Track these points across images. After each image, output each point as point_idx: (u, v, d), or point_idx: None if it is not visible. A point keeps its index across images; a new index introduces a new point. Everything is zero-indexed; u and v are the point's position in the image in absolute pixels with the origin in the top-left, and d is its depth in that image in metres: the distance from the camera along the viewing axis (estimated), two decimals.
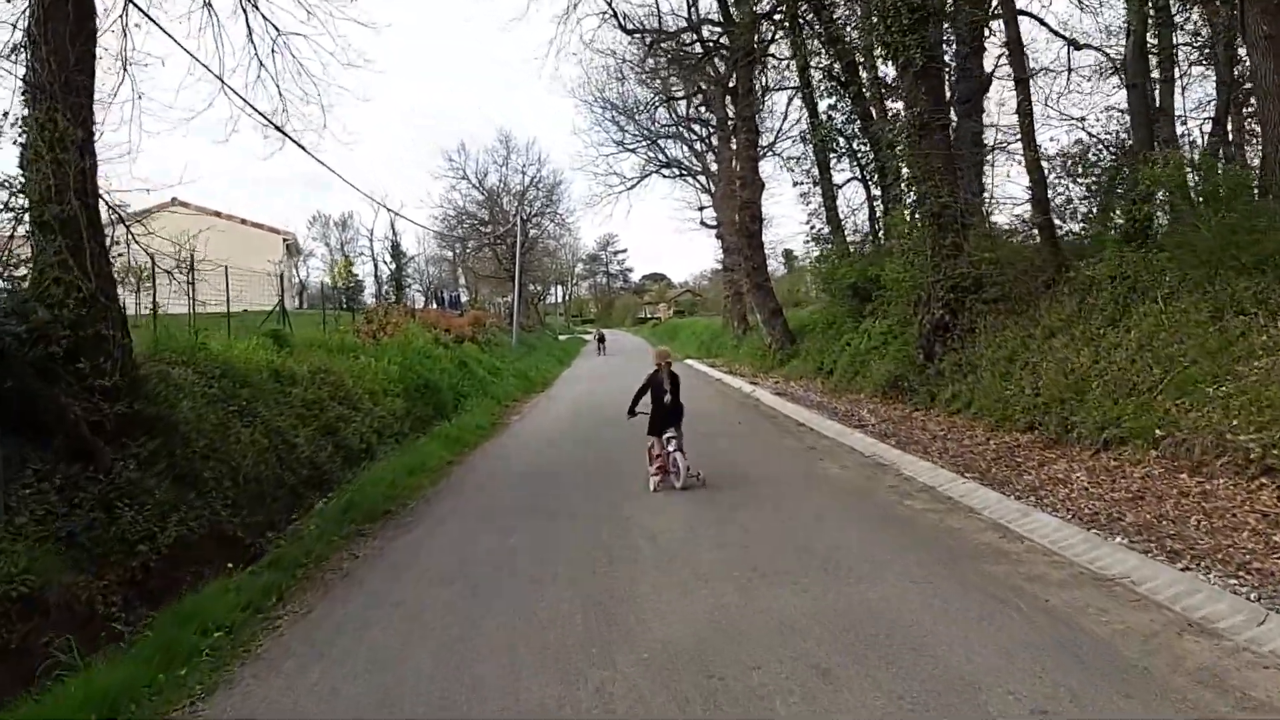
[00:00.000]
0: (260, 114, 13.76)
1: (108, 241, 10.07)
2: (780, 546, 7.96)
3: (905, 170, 16.80)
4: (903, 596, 6.41)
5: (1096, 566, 6.82)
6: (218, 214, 47.77)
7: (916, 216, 16.51)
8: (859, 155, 23.79)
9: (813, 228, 24.47)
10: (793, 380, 24.02)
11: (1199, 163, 13.85)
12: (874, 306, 21.18)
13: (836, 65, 22.79)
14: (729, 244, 38.76)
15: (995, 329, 14.31)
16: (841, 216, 24.23)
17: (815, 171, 24.53)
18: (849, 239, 24.12)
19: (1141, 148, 15.22)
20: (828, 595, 6.54)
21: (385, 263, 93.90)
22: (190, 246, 19.04)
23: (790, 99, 41.60)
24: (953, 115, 16.26)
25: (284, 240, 48.42)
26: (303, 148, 14.95)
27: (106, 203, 10.00)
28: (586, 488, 11.75)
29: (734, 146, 35.10)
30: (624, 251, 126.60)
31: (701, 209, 48.47)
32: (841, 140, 23.95)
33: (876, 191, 23.47)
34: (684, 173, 47.60)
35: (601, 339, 58.51)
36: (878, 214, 23.76)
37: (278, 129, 14.07)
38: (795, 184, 23.96)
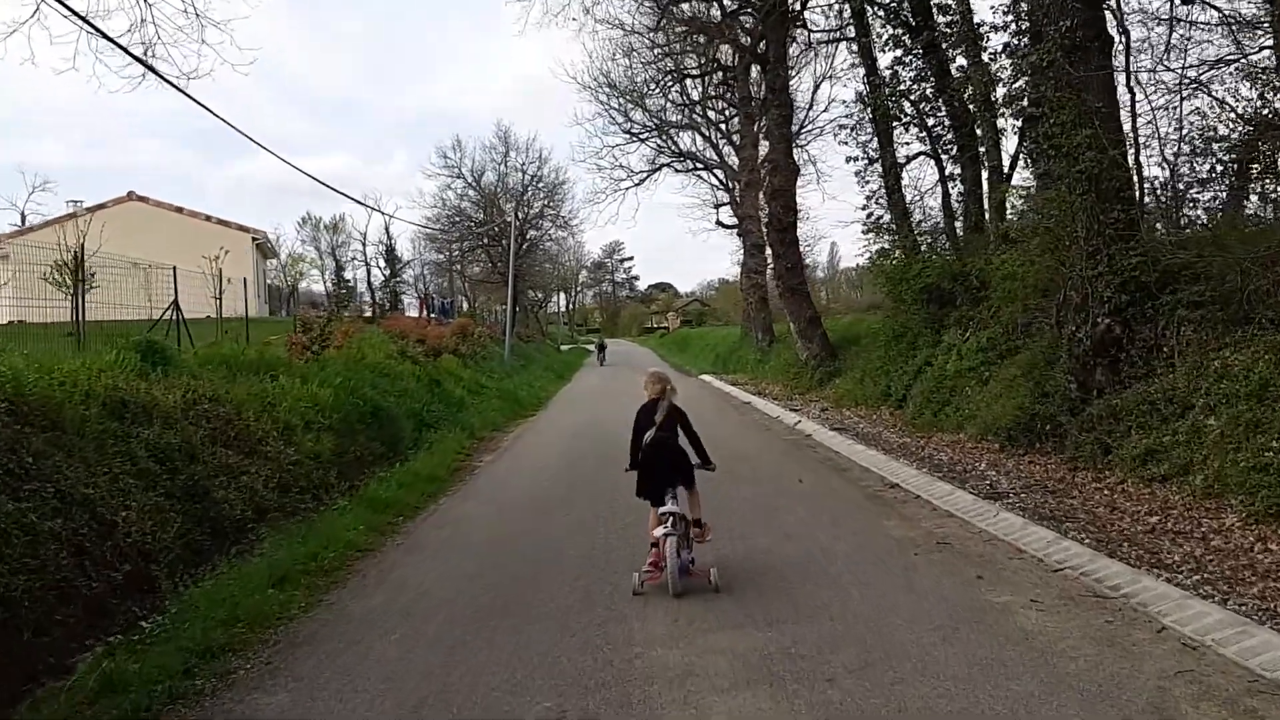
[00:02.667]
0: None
1: None
2: None
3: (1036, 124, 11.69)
4: None
5: None
6: (179, 209, 43.21)
7: (1058, 186, 11.40)
8: (931, 124, 18.71)
9: (870, 215, 19.40)
10: (844, 407, 18.93)
11: None
12: (961, 314, 16.09)
13: (905, 2, 17.73)
14: (753, 242, 33.72)
15: (1206, 346, 9.22)
16: (908, 201, 19.18)
17: (874, 145, 19.41)
18: (917, 231, 19.02)
19: None
20: None
21: (380, 268, 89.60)
22: (80, 240, 14.27)
23: (817, 85, 36.79)
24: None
25: (253, 239, 43.63)
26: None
27: None
28: (573, 600, 6.73)
29: (760, 126, 30.10)
30: (630, 259, 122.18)
31: (718, 206, 43.51)
32: (908, 106, 18.87)
33: (954, 169, 18.38)
34: (699, 166, 42.60)
35: (602, 347, 55.18)
36: (954, 196, 18.66)
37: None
38: (848, 160, 17.57)
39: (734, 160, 38.97)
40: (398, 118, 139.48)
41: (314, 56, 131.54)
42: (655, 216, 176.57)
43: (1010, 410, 11.63)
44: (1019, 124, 14.71)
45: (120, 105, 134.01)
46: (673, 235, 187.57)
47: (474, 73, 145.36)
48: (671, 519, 6.75)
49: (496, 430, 19.74)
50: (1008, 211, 15.31)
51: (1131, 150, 10.93)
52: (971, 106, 16.24)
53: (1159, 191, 11.39)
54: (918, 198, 19.46)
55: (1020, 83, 12.47)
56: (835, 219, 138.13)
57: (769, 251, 29.82)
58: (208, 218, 43.13)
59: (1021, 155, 14.20)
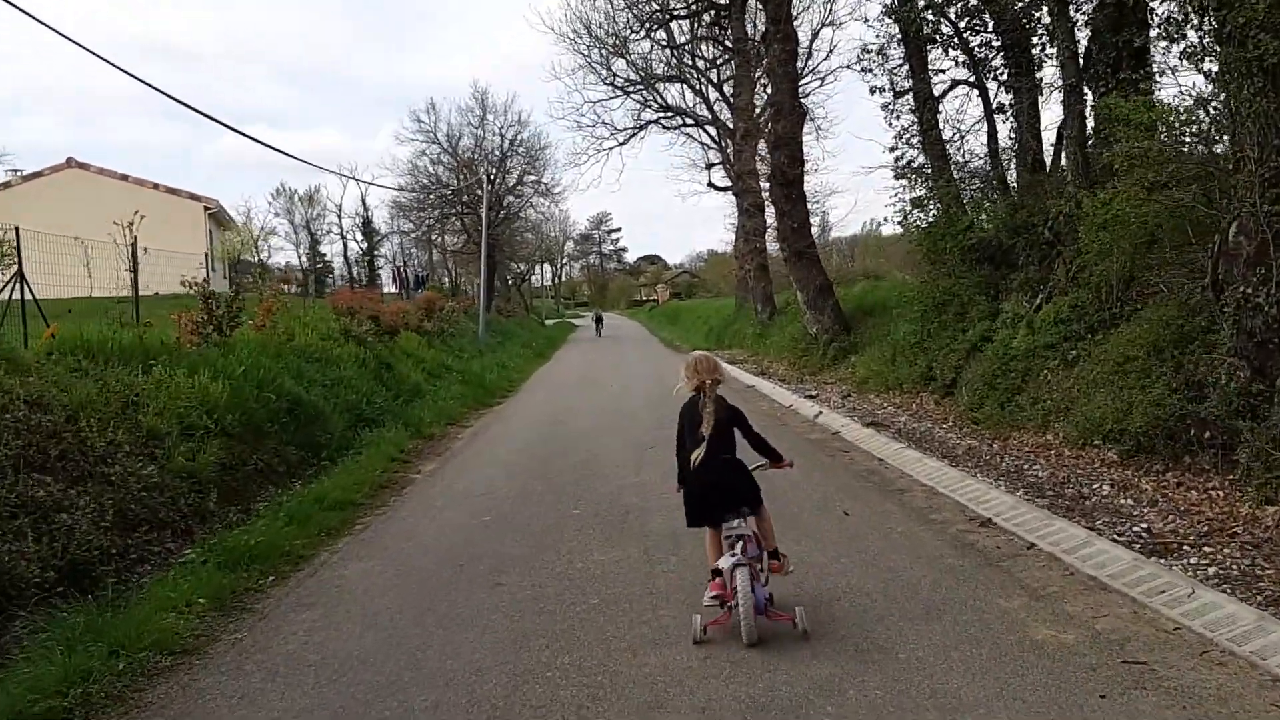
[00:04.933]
0: None
1: None
2: None
3: None
4: None
5: None
6: (124, 177, 39.50)
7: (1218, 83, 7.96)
8: (974, 44, 15.18)
9: (899, 157, 15.90)
10: (871, 393, 15.54)
11: None
12: (1027, 276, 12.67)
13: None
14: (750, 202, 30.16)
15: None
16: (945, 140, 15.67)
17: (905, 71, 15.83)
18: (960, 175, 15.52)
19: None
20: None
21: (357, 241, 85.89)
22: None
23: (816, 32, 32.94)
24: None
25: (205, 209, 39.91)
26: None
27: None
28: None
29: (759, 69, 26.50)
30: (618, 231, 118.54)
31: (709, 167, 39.77)
32: (946, 25, 15.35)
33: (1005, 98, 14.86)
34: (688, 122, 38.82)
35: (599, 319, 55.29)
36: (1003, 134, 15.16)
37: None
38: (873, 90, 13.98)
39: (727, 116, 35.31)
40: (388, 93, 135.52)
41: (303, 29, 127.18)
42: (642, 187, 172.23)
43: (1140, 406, 8.20)
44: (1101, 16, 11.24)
45: (105, 79, 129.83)
46: (661, 206, 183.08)
47: (467, 46, 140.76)
48: (742, 542, 5.19)
49: (453, 424, 16.29)
50: (1082, 149, 11.78)
51: None
52: None
53: None
54: (957, 137, 15.98)
55: None
56: (841, 177, 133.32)
57: (770, 212, 26.35)
58: (155, 186, 39.42)
59: (1121, 58, 10.72)
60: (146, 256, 16.80)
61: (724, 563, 5.19)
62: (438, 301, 31.95)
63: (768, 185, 24.22)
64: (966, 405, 12.18)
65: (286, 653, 5.47)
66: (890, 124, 16.10)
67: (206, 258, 34.45)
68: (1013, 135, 14.82)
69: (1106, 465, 8.42)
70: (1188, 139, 8.78)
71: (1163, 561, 5.94)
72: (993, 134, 15.39)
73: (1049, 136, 14.63)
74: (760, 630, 5.05)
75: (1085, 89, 11.78)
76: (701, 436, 5.29)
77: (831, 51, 53.97)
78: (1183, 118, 8.87)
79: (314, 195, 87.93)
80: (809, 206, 23.13)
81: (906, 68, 15.79)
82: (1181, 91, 9.60)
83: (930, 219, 14.98)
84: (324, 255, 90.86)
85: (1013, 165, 14.90)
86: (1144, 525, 6.71)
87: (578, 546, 7.29)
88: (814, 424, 13.51)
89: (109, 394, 9.62)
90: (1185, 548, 6.15)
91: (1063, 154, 13.73)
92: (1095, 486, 7.90)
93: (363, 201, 62.93)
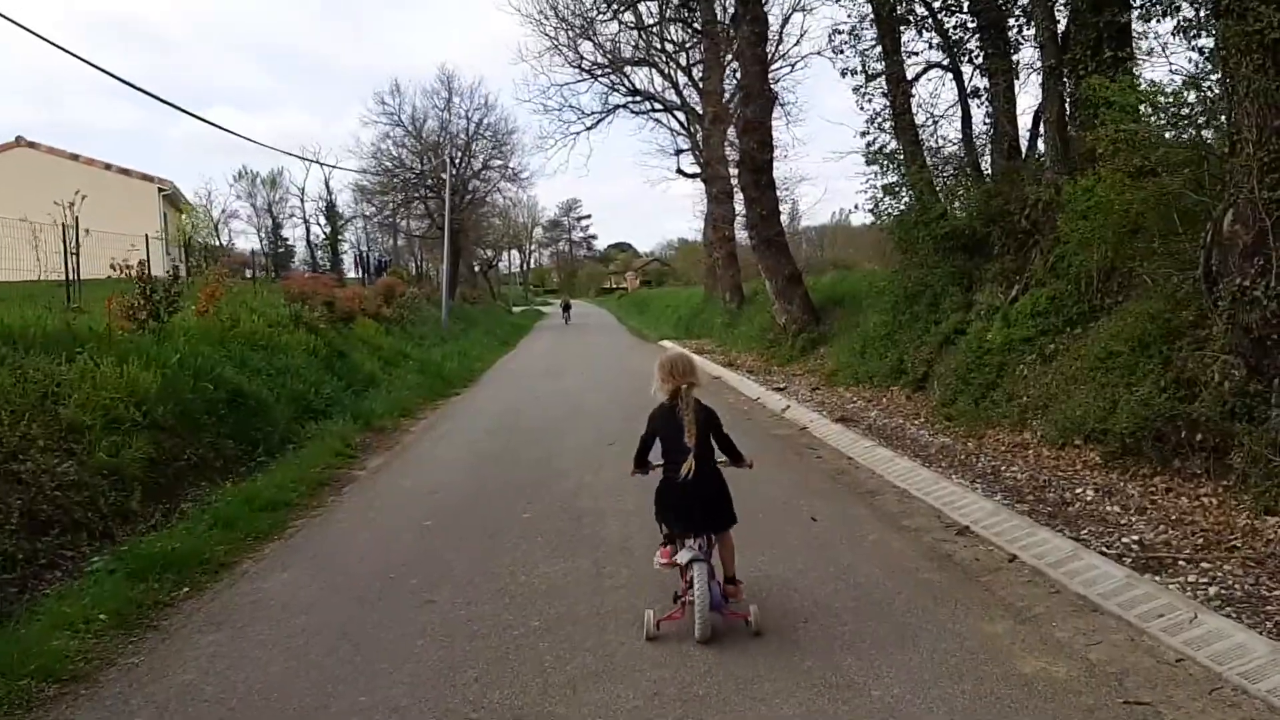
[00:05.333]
0: None
1: None
2: None
3: None
4: None
5: None
6: (74, 157, 38.22)
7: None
8: (949, 26, 14.67)
9: (871, 143, 15.37)
10: (840, 386, 15.03)
11: None
12: (1003, 266, 12.19)
13: None
14: (719, 189, 29.56)
15: None
16: (918, 125, 15.14)
17: (878, 52, 15.27)
18: (933, 162, 15.00)
19: None
20: None
21: (320, 226, 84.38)
22: None
23: (787, 18, 32.33)
24: None
25: (160, 190, 38.70)
26: None
27: None
28: None
29: (728, 53, 25.90)
30: (588, 218, 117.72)
31: (678, 153, 39.15)
32: (920, 5, 14.81)
33: (981, 82, 14.35)
34: (657, 107, 38.15)
35: (567, 307, 55.62)
36: (977, 119, 14.69)
37: None
38: (844, 73, 13.37)
39: (696, 101, 34.67)
40: (357, 76, 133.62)
41: (271, 6, 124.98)
42: (614, 176, 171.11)
43: (1126, 405, 7.70)
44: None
45: (65, 59, 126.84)
46: (632, 195, 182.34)
47: (435, 26, 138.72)
48: (699, 560, 4.97)
49: (406, 416, 15.59)
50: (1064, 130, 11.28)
51: None
52: None
53: None
54: (930, 123, 15.47)
55: None
56: (812, 163, 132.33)
57: (739, 199, 25.80)
58: (107, 166, 38.13)
59: (1102, 39, 10.19)
60: (89, 239, 16.06)
61: (681, 557, 5.03)
62: (398, 287, 31.11)
63: (737, 171, 23.63)
64: (939, 400, 11.69)
65: (182, 684, 4.82)
66: (862, 108, 15.60)
67: (162, 240, 33.40)
68: (988, 120, 14.35)
69: (1089, 468, 7.93)
70: (1176, 122, 8.27)
71: (1158, 579, 5.43)
72: (967, 119, 14.92)
73: (1025, 122, 14.20)
74: (714, 626, 4.90)
75: (1064, 71, 11.25)
76: (687, 448, 5.02)
77: (802, 37, 53.55)
78: (1172, 99, 8.36)
79: (276, 178, 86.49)
80: (779, 194, 22.58)
81: (879, 49, 15.25)
82: (1171, 71, 9.09)
83: (902, 206, 14.46)
84: (286, 239, 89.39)
85: (988, 151, 14.41)
86: (1134, 536, 6.20)
87: (523, 556, 6.68)
88: (781, 418, 12.98)
89: (26, 384, 8.91)
90: (1181, 562, 5.64)
91: (1040, 139, 13.30)
92: (1078, 491, 7.40)
93: (326, 185, 61.78)
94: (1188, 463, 7.06)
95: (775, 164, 21.95)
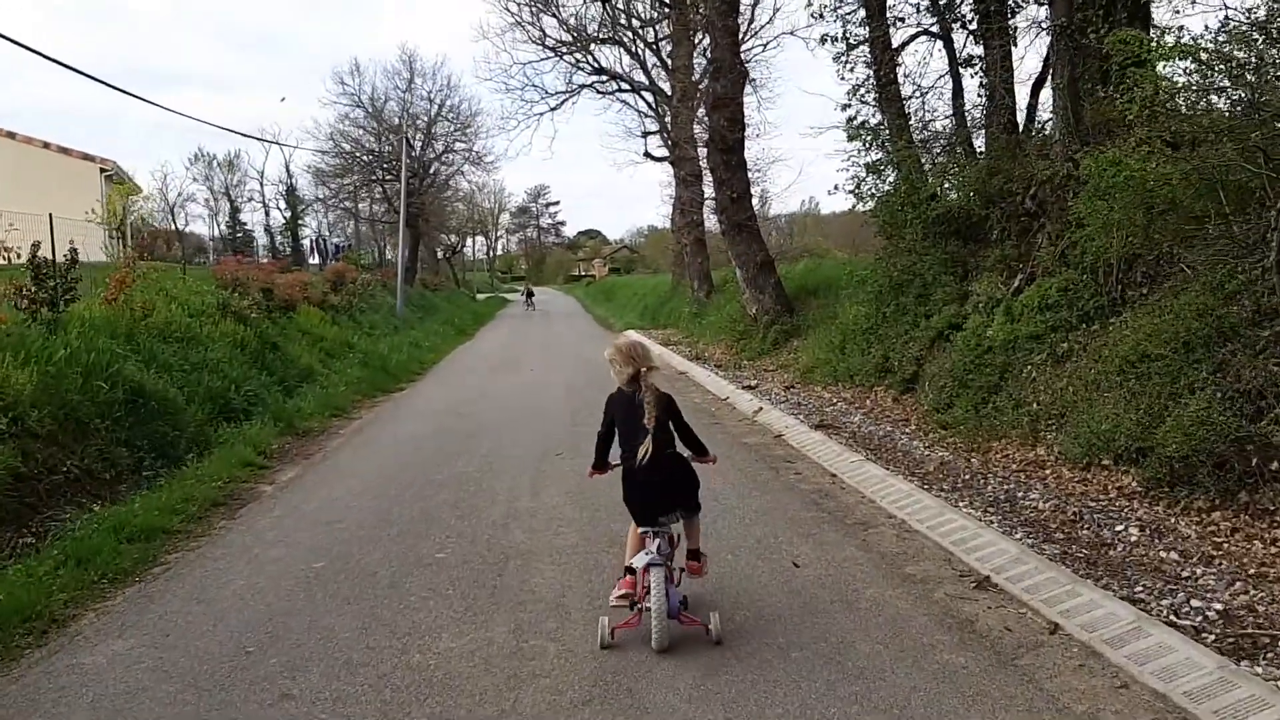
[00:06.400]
0: None
1: None
2: None
3: None
4: None
5: None
6: (10, 135, 36.11)
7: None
8: None
9: (853, 117, 13.90)
10: (817, 384, 13.63)
11: None
12: (1003, 253, 10.81)
13: None
14: (688, 171, 28.04)
15: None
16: (904, 97, 13.73)
17: (861, 17, 13.78)
18: (919, 138, 13.59)
19: None
20: None
21: (280, 210, 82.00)
22: None
23: None
24: None
25: (101, 169, 36.60)
26: None
27: None
28: None
29: (697, 22, 24.38)
30: (556, 204, 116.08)
31: (645, 135, 37.57)
32: None
33: (976, 49, 12.96)
34: (624, 88, 36.52)
35: (529, 294, 54.97)
36: (970, 91, 13.30)
37: None
38: (823, 40, 11.84)
39: (665, 83, 33.11)
40: (325, 58, 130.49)
41: None
42: (583, 162, 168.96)
43: (1175, 422, 6.30)
44: None
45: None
46: (601, 182, 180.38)
47: (397, 8, 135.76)
48: (660, 540, 4.77)
49: (338, 415, 14.04)
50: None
51: None
52: None
53: None
54: (918, 95, 14.05)
55: None
56: (785, 141, 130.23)
57: (708, 181, 24.32)
58: (45, 144, 36.04)
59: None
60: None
61: (638, 560, 4.76)
62: (349, 273, 29.35)
63: (705, 152, 22.14)
64: (932, 405, 10.31)
65: None
66: (843, 78, 14.13)
67: (101, 223, 31.32)
68: (983, 91, 12.94)
69: (1126, 496, 6.56)
70: (1235, 74, 6.88)
71: (1256, 669, 4.05)
72: (958, 90, 13.51)
73: (1022, 93, 12.84)
74: (672, 635, 4.62)
75: (1075, 31, 9.87)
76: (645, 430, 4.75)
77: (775, 13, 52.11)
78: (1224, 52, 6.96)
79: (234, 161, 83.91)
80: (750, 175, 21.11)
81: (863, 12, 13.78)
82: (1207, 29, 7.69)
83: (887, 186, 13.05)
84: (245, 224, 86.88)
85: (981, 126, 13.02)
86: (1208, 598, 4.83)
87: (424, 620, 5.20)
88: (753, 423, 11.55)
89: None
90: None
91: (1041, 111, 11.96)
92: (1119, 529, 6.02)
93: (286, 169, 59.53)
94: (1258, 496, 5.70)
95: (747, 144, 20.48)
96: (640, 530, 4.90)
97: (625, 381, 4.89)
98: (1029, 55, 42.66)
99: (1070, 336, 8.88)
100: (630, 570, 4.87)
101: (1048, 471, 7.57)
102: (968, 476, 7.80)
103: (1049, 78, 12.47)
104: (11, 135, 34.96)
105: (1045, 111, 10.80)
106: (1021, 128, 12.49)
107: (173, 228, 77.49)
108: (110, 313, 12.89)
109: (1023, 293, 9.97)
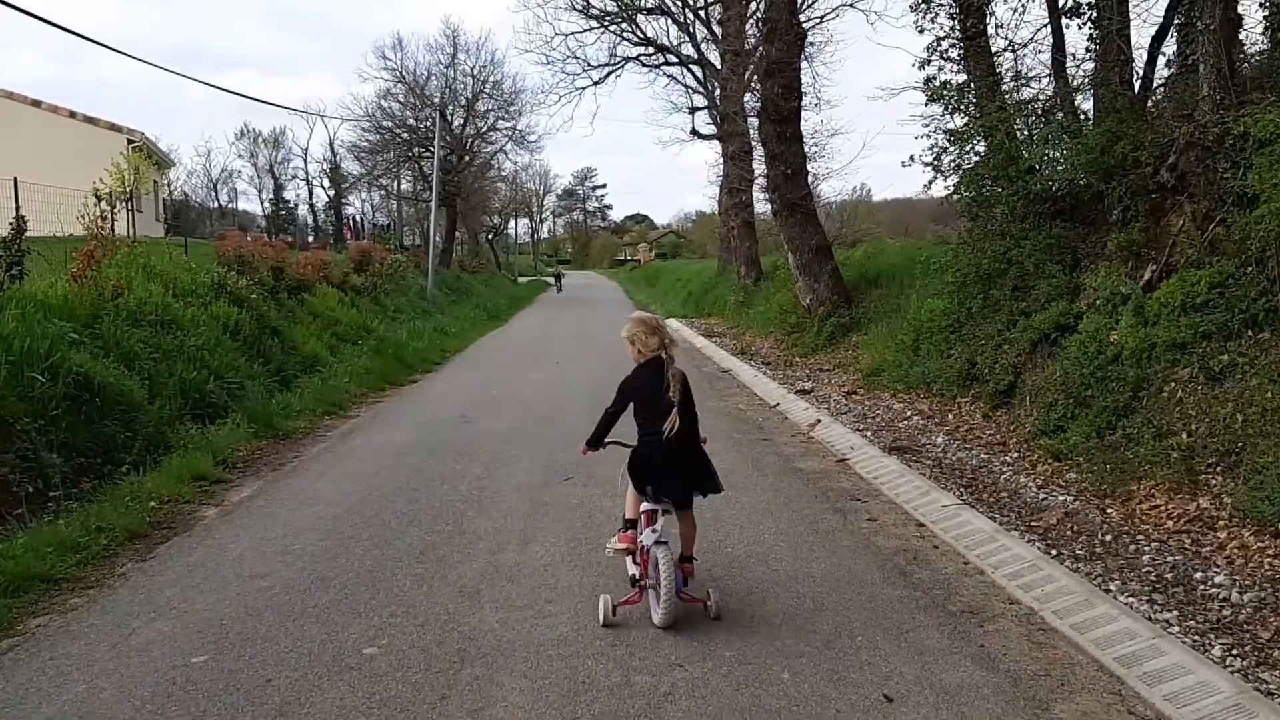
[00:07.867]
0: None
1: None
2: None
3: None
4: None
5: None
6: (36, 104, 35.14)
7: None
8: None
9: (931, 77, 11.77)
10: (883, 389, 11.59)
11: None
12: (1126, 238, 8.66)
13: None
14: (738, 146, 25.92)
15: None
16: (995, 52, 11.59)
17: None
18: (1012, 101, 11.45)
19: None
20: None
21: (324, 188, 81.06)
22: None
23: None
24: None
25: (129, 140, 35.38)
26: None
27: None
28: None
29: None
30: (603, 187, 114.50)
31: (693, 111, 35.43)
32: None
33: None
34: (671, 60, 34.43)
35: (559, 277, 53.97)
36: (1072, 44, 11.11)
37: None
38: None
39: (716, 58, 31.00)
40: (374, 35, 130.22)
41: None
42: (631, 147, 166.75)
43: None
44: None
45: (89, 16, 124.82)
46: (650, 167, 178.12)
47: None
48: (664, 518, 4.84)
49: (332, 413, 12.29)
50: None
51: None
52: None
53: None
54: (1009, 51, 11.87)
55: None
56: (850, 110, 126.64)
57: (759, 156, 22.22)
58: (72, 114, 34.98)
59: None
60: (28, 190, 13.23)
61: (645, 539, 4.81)
62: (376, 253, 27.68)
63: (757, 123, 20.03)
64: (1037, 426, 8.23)
65: None
66: (922, 29, 11.95)
67: (127, 195, 30.00)
68: (1092, 44, 10.75)
69: None
70: None
71: None
72: (1059, 44, 11.31)
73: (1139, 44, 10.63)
74: (665, 614, 4.57)
75: None
76: (670, 402, 4.74)
77: None
78: None
79: (279, 138, 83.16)
80: (806, 151, 18.97)
81: None
82: None
83: (975, 158, 10.93)
84: (289, 202, 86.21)
85: (1088, 84, 10.85)
86: None
87: None
88: (809, 439, 9.54)
89: None
90: None
91: (1171, 67, 9.75)
92: None
93: (331, 146, 58.26)
94: None
95: (803, 116, 18.38)
96: (646, 508, 4.86)
97: (649, 355, 4.88)
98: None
99: (1229, 346, 6.78)
100: (630, 524, 4.97)
101: (1222, 534, 5.50)
102: (1109, 538, 5.75)
103: (1170, 27, 10.33)
104: (38, 104, 33.95)
105: (1198, 60, 8.55)
106: (1138, 88, 10.33)
107: (215, 204, 76.79)
108: (71, 292, 11.21)
109: (1156, 288, 7.85)
